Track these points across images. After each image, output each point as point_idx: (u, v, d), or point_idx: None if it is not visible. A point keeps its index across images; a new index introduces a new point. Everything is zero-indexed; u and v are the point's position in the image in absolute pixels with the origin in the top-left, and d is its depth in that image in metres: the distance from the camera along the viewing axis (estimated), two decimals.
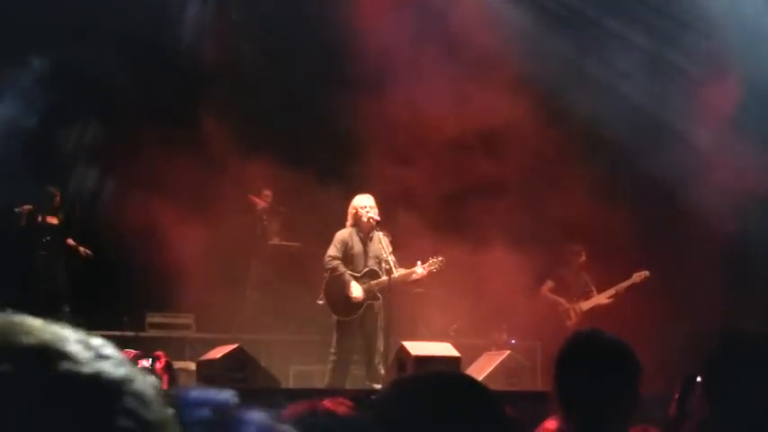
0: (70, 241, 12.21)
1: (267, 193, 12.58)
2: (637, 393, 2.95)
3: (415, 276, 9.79)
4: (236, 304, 12.27)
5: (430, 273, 9.82)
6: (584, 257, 11.59)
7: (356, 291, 9.65)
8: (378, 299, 9.79)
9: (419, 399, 1.96)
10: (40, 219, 12.36)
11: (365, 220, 9.79)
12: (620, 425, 3.00)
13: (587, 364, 2.96)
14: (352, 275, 9.71)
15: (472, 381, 2.11)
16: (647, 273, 11.28)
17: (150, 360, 5.36)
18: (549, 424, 3.19)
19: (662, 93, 12.26)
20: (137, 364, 5.37)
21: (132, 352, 5.40)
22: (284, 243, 12.64)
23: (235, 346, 9.23)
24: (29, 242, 12.32)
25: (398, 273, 9.65)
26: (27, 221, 12.11)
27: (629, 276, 11.33)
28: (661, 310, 11.27)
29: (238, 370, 8.87)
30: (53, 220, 12.39)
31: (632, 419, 3.09)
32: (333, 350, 9.79)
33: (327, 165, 12.18)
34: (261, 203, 12.51)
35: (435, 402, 1.95)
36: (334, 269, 9.74)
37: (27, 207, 12.07)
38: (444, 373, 2.09)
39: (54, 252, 12.38)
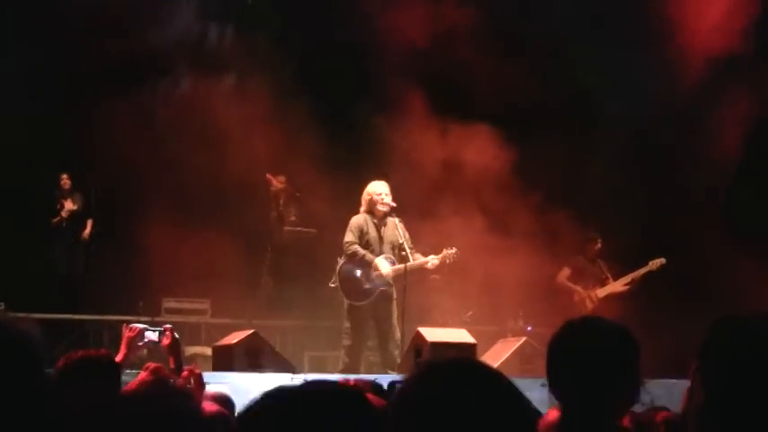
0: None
1: (282, 179, 12.58)
2: (634, 376, 2.91)
3: (428, 267, 9.82)
4: (252, 290, 12.30)
5: (443, 264, 9.84)
6: (599, 245, 11.56)
7: (384, 267, 9.69)
8: (391, 285, 9.79)
9: (438, 387, 1.95)
10: (57, 205, 12.45)
11: (380, 206, 9.80)
12: (616, 409, 2.97)
13: (578, 348, 2.92)
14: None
15: (491, 370, 2.10)
16: (663, 260, 11.24)
17: (157, 333, 5.33)
18: (551, 415, 3.17)
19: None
20: (144, 337, 5.35)
21: (138, 326, 5.38)
22: (300, 229, 12.64)
23: (250, 331, 9.25)
24: (47, 227, 12.42)
25: (413, 261, 9.66)
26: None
27: (646, 264, 11.30)
28: (680, 297, 11.22)
29: (254, 355, 8.89)
30: (69, 205, 12.47)
31: (645, 402, 3.05)
32: (345, 335, 9.81)
33: (344, 151, 12.16)
34: (277, 184, 12.51)
35: (455, 392, 1.94)
36: (355, 253, 9.76)
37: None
38: (463, 362, 2.08)
39: (72, 236, 12.47)
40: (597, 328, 2.98)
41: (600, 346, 2.91)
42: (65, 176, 12.47)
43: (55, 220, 12.45)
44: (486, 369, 2.07)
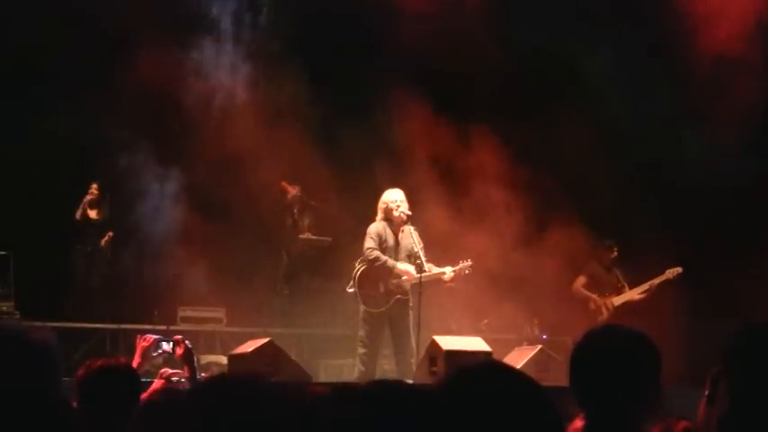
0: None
1: (296, 188, 12.59)
2: (655, 384, 2.92)
3: (443, 278, 9.81)
4: (267, 298, 12.31)
5: (458, 276, 9.83)
6: (616, 253, 11.53)
7: (407, 267, 9.67)
8: (407, 293, 9.78)
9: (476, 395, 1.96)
10: (81, 213, 12.44)
11: (396, 214, 9.80)
12: (639, 417, 2.99)
13: (600, 357, 2.94)
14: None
15: (521, 373, 2.11)
16: (679, 269, 11.19)
17: (171, 344, 5.33)
18: (579, 423, 3.18)
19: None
20: (159, 348, 5.35)
21: (152, 337, 5.38)
22: (315, 237, 12.65)
23: (266, 339, 9.25)
24: (69, 235, 12.43)
25: (428, 271, 9.64)
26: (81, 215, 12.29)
27: (662, 272, 11.26)
28: (697, 306, 11.18)
29: (269, 364, 8.88)
30: (93, 215, 12.47)
31: (663, 411, 3.06)
32: (361, 343, 9.80)
33: (358, 159, 12.16)
34: (292, 191, 12.52)
35: (489, 393, 1.94)
36: (377, 259, 9.74)
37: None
38: (494, 365, 2.09)
39: (92, 246, 12.47)
40: (619, 336, 3.00)
41: (622, 355, 2.93)
42: (94, 186, 12.43)
43: (77, 217, 12.39)
44: (516, 372, 2.08)
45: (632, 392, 2.88)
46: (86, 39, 11.79)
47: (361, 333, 9.80)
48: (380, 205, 9.95)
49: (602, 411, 2.88)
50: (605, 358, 2.93)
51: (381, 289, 9.74)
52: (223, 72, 12.67)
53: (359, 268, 9.84)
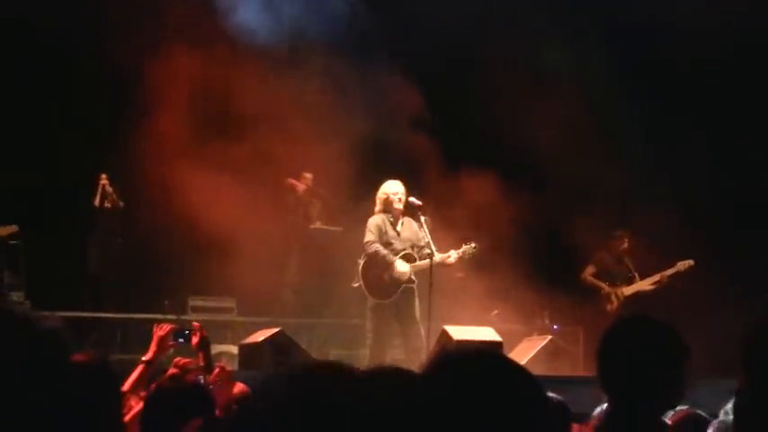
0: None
1: (308, 175, 12.56)
2: (680, 376, 2.92)
3: (448, 262, 9.77)
4: (278, 288, 12.31)
5: (462, 259, 9.79)
6: (626, 243, 11.51)
7: (402, 266, 9.67)
8: (413, 282, 9.76)
9: (461, 380, 1.94)
10: (97, 204, 12.43)
11: (396, 206, 9.78)
12: (665, 407, 2.99)
13: (629, 346, 2.94)
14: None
15: (513, 363, 2.09)
16: (691, 262, 11.18)
17: (187, 333, 5.32)
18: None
19: None
20: (175, 336, 5.34)
21: (169, 326, 5.36)
22: (325, 227, 12.64)
23: (276, 329, 9.27)
24: (81, 224, 12.42)
25: (436, 257, 9.64)
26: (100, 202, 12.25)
27: (674, 264, 11.24)
28: (709, 296, 11.15)
29: (280, 353, 8.90)
30: (106, 204, 12.46)
31: (681, 402, 3.06)
32: (369, 334, 9.80)
33: (370, 148, 12.13)
34: (301, 186, 12.51)
35: (478, 386, 1.93)
36: (376, 252, 9.74)
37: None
38: (486, 356, 2.07)
39: (107, 237, 12.46)
40: (647, 324, 3.01)
41: (648, 344, 2.93)
42: (103, 176, 12.34)
43: (95, 205, 12.34)
44: (507, 360, 2.07)
45: (655, 381, 2.89)
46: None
47: (369, 324, 9.80)
48: (379, 196, 9.92)
49: (625, 399, 2.89)
50: (631, 346, 2.94)
51: (387, 278, 9.73)
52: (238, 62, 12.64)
53: (361, 263, 9.85)
